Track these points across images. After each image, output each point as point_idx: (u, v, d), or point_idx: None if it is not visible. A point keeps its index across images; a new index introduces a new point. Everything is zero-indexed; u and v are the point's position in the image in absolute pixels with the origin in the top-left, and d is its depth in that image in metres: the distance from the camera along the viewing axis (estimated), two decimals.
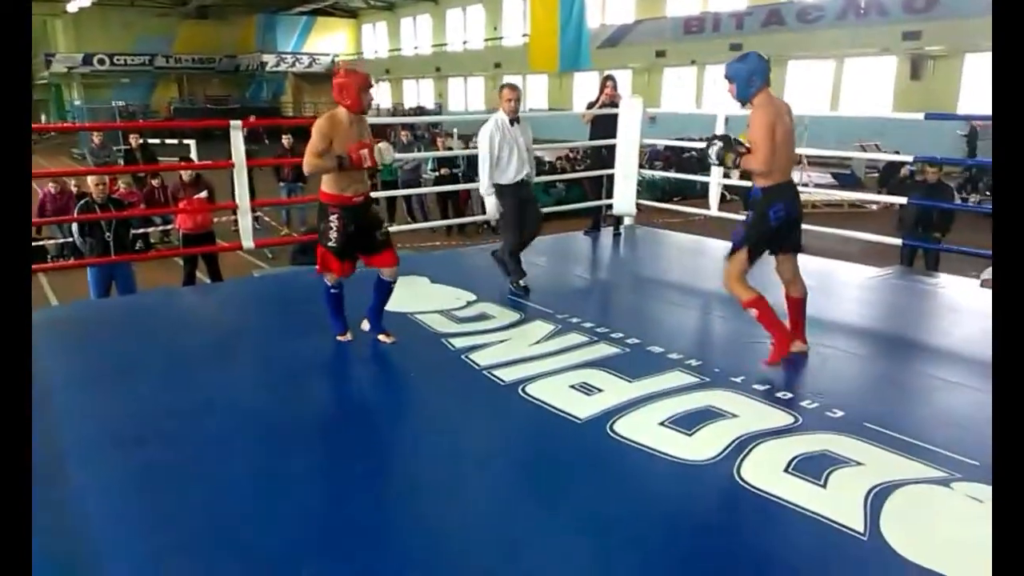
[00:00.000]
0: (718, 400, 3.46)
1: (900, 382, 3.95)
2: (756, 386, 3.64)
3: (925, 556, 2.35)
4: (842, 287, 5.80)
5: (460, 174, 12.22)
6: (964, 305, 5.28)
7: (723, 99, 4.04)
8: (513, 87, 5.30)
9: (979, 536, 2.33)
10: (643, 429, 3.19)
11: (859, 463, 2.89)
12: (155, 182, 10.71)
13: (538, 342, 4.30)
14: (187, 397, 3.62)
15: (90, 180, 6.73)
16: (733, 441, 3.06)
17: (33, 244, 10.23)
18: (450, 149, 13.92)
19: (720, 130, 5.92)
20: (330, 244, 4.06)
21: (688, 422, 3.24)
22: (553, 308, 4.91)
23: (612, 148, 7.29)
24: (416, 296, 5.14)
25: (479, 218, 10.82)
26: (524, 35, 26.82)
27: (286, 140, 12.12)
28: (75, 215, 6.79)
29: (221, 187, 8.78)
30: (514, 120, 5.24)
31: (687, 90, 27.65)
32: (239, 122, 5.83)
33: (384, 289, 4.28)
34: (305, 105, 43.28)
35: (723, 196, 7.44)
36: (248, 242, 6.05)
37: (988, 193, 14.26)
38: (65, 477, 2.86)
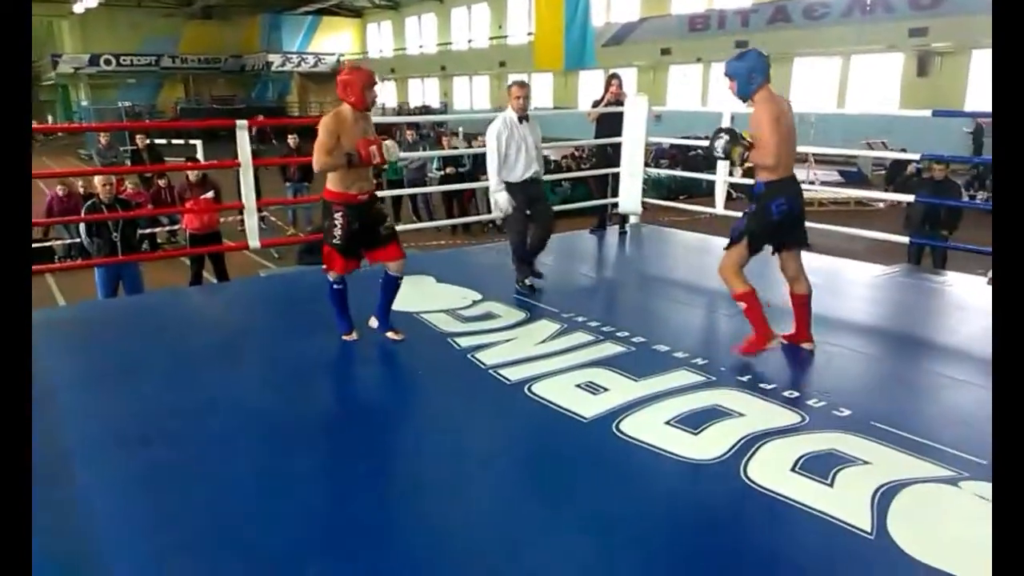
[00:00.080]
0: (724, 399, 3.45)
1: (907, 380, 3.93)
2: (762, 385, 3.63)
3: (932, 555, 2.33)
4: (849, 285, 5.77)
5: (466, 173, 12.22)
6: (971, 303, 5.24)
7: (728, 97, 4.04)
8: (522, 84, 5.28)
9: (986, 535, 2.30)
10: (649, 428, 3.17)
11: (866, 462, 2.88)
12: (162, 182, 10.75)
13: (544, 341, 4.29)
14: (192, 397, 3.62)
15: (97, 180, 6.74)
16: (739, 440, 3.04)
17: (40, 245, 10.28)
18: (455, 148, 13.91)
19: (726, 125, 5.90)
20: (334, 242, 4.06)
21: (694, 421, 3.23)
22: (559, 307, 4.90)
23: (617, 146, 7.27)
24: (422, 295, 5.14)
25: (484, 217, 10.83)
26: (529, 34, 26.80)
27: (292, 140, 12.14)
28: (82, 216, 6.80)
29: (227, 187, 8.80)
30: (523, 118, 5.22)
31: (693, 88, 27.57)
32: (245, 122, 5.84)
33: (391, 285, 4.28)
34: (311, 105, 43.34)
35: (729, 194, 7.41)
36: (254, 242, 6.06)
37: None
38: (69, 476, 2.87)
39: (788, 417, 3.28)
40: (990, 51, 18.26)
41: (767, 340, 3.97)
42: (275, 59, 43.33)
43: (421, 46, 41.97)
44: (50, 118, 41.91)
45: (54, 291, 9.18)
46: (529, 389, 3.61)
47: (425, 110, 39.30)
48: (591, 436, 3.16)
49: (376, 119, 4.48)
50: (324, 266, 4.20)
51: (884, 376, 4.03)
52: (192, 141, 15.94)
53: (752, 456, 2.92)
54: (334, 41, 45.39)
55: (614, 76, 7.60)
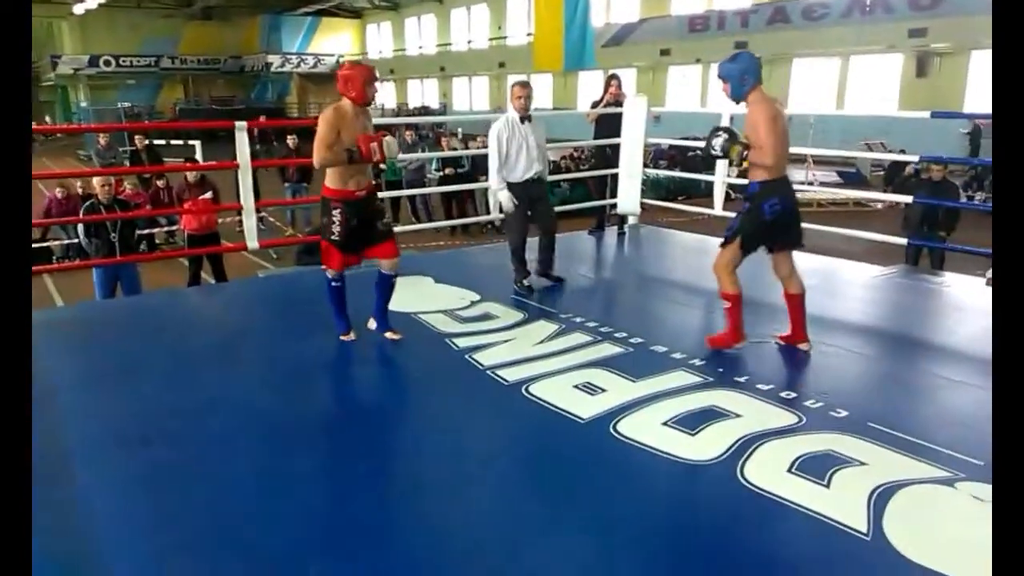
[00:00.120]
0: (721, 400, 3.46)
1: (904, 381, 3.94)
2: (760, 386, 3.64)
3: (929, 556, 2.34)
4: (847, 286, 5.79)
5: (465, 174, 12.23)
6: (969, 304, 5.26)
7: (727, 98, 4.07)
8: (524, 84, 5.29)
9: (983, 537, 2.32)
10: (646, 429, 3.18)
11: (863, 463, 2.89)
12: (160, 183, 10.76)
13: (542, 342, 4.30)
14: (191, 397, 3.63)
15: (96, 181, 6.75)
16: (736, 441, 3.05)
17: (38, 246, 10.28)
18: (455, 149, 13.93)
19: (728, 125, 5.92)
20: (333, 238, 4.08)
21: (691, 422, 3.24)
22: (557, 308, 4.91)
23: (616, 147, 7.28)
24: (420, 296, 5.15)
25: (483, 218, 10.84)
26: (528, 34, 26.80)
27: (291, 141, 12.15)
28: (81, 216, 6.81)
29: (226, 188, 8.80)
30: (525, 118, 5.23)
31: (692, 89, 27.60)
32: (244, 123, 5.84)
33: (386, 284, 4.28)
34: (310, 106, 43.31)
35: (728, 195, 7.42)
36: (253, 242, 6.07)
37: None
38: (69, 476, 2.87)
39: (785, 418, 3.29)
40: (989, 52, 18.35)
41: (736, 341, 4.11)
42: (274, 60, 43.34)
43: (420, 47, 41.99)
44: (49, 119, 41.90)
45: (52, 292, 9.18)
46: (527, 390, 3.61)
47: (424, 111, 39.33)
48: (589, 437, 3.17)
49: (375, 120, 4.49)
50: (324, 265, 4.21)
51: (881, 377, 4.04)
52: (191, 142, 15.94)
53: (749, 457, 2.93)
54: (334, 42, 45.39)
55: (613, 77, 7.61)
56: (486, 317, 4.76)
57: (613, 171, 7.39)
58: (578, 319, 4.65)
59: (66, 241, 10.63)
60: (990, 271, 6.02)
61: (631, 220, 7.59)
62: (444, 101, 40.39)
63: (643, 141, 7.19)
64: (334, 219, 4.05)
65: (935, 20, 20.24)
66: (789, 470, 2.84)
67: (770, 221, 3.91)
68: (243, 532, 2.53)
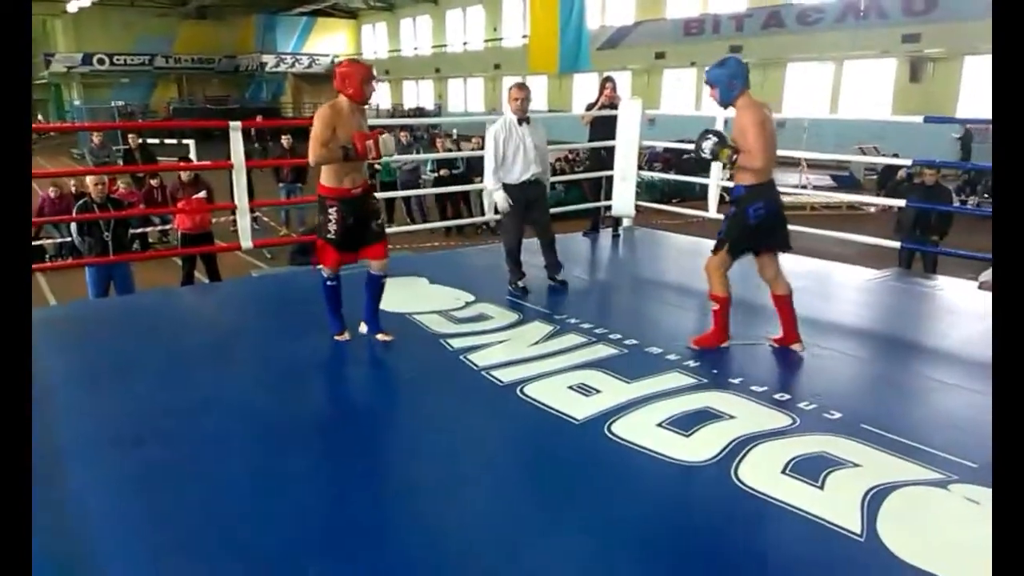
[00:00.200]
0: (716, 401, 3.47)
1: (898, 384, 3.95)
2: (754, 387, 3.65)
3: (922, 558, 2.35)
4: (840, 289, 5.81)
5: (459, 175, 12.23)
6: (962, 307, 5.29)
7: None
8: (521, 86, 5.29)
9: (976, 538, 2.34)
10: (641, 430, 3.19)
11: (856, 465, 2.90)
12: (154, 182, 10.72)
13: (536, 343, 4.31)
14: (185, 396, 3.62)
15: (89, 180, 6.73)
16: (731, 442, 3.06)
17: (31, 244, 10.24)
18: (449, 151, 13.94)
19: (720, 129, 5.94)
20: (329, 236, 4.07)
21: (686, 423, 3.24)
22: (552, 309, 4.92)
23: (611, 149, 7.30)
24: (415, 297, 5.15)
25: (478, 219, 10.84)
26: (524, 36, 26.86)
27: (285, 140, 12.13)
28: (74, 215, 6.79)
29: (220, 187, 8.79)
30: (523, 120, 5.23)
31: (687, 92, 27.66)
32: (238, 123, 5.83)
33: (375, 285, 4.26)
34: (305, 106, 43.25)
35: (722, 197, 7.42)
36: (247, 242, 6.06)
37: (987, 196, 14.27)
38: (63, 476, 2.86)
39: (779, 419, 3.30)
40: (982, 57, 18.47)
41: (720, 342, 4.15)
42: (269, 60, 43.26)
43: (416, 48, 41.99)
44: (39, 116, 41.73)
45: (45, 290, 9.15)
46: (522, 391, 3.62)
47: (419, 112, 39.31)
48: (583, 438, 3.17)
49: (370, 121, 4.48)
50: (318, 262, 4.19)
51: (874, 379, 4.06)
52: (185, 141, 15.90)
53: (743, 458, 2.94)
54: (329, 42, 45.34)
55: (608, 79, 7.63)
56: (481, 318, 4.76)
57: (608, 173, 7.41)
58: (573, 320, 4.65)
59: (59, 240, 10.59)
60: (982, 275, 6.07)
61: (625, 222, 7.61)
62: (439, 102, 40.38)
63: (638, 143, 7.21)
64: (330, 217, 4.03)
65: (928, 26, 20.33)
66: (783, 471, 2.85)
67: (755, 225, 3.95)
68: (238, 532, 2.52)
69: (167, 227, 11.01)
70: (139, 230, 10.45)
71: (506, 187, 5.24)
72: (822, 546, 2.44)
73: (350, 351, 4.24)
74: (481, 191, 5.28)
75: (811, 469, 2.85)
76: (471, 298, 5.16)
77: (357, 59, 4.11)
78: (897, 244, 6.87)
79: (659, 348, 4.18)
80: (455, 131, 18.73)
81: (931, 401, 3.73)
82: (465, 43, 38.16)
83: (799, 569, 2.40)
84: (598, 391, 3.60)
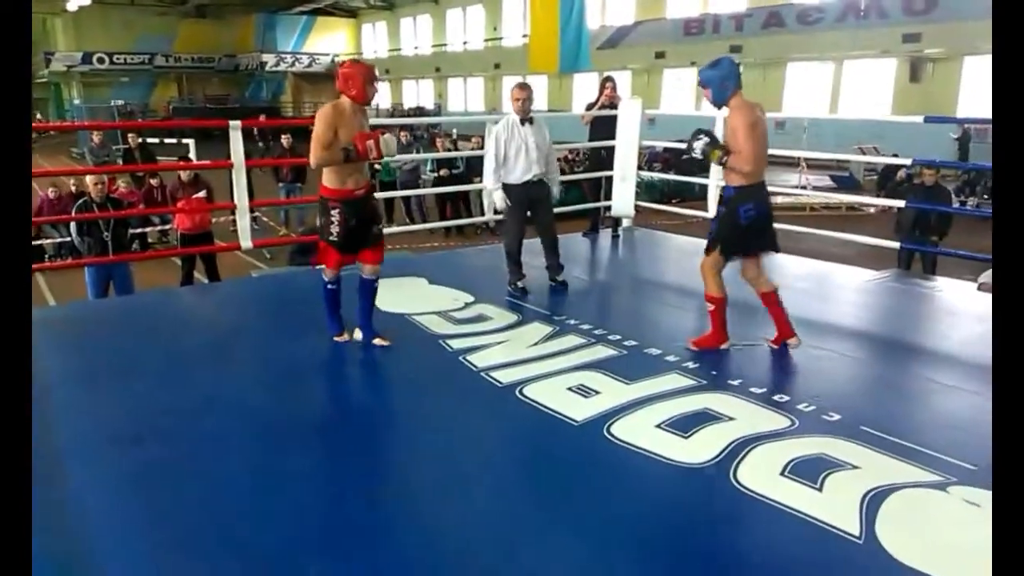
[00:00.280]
0: (715, 403, 3.47)
1: (897, 385, 3.95)
2: (753, 389, 3.65)
3: (921, 560, 2.35)
4: (839, 290, 5.81)
5: (459, 175, 12.22)
6: (961, 308, 5.29)
7: None
8: (523, 86, 5.28)
9: (975, 540, 2.35)
10: (640, 431, 3.19)
11: (855, 466, 2.90)
12: (154, 182, 10.72)
13: (536, 344, 4.31)
14: (184, 396, 3.62)
15: (89, 179, 6.73)
16: (730, 444, 3.06)
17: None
18: (449, 150, 13.94)
19: (718, 131, 5.94)
20: (331, 238, 4.04)
21: (685, 425, 3.24)
22: (551, 310, 4.92)
23: (611, 149, 7.30)
24: (414, 297, 5.15)
25: (478, 219, 10.84)
26: (524, 36, 26.84)
27: (285, 140, 12.12)
28: (73, 214, 6.79)
29: (220, 187, 8.79)
30: (525, 120, 5.23)
31: (686, 92, 27.66)
32: (238, 122, 5.83)
33: (368, 290, 4.23)
34: (305, 105, 43.26)
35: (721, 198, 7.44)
36: (246, 242, 6.06)
37: (986, 196, 14.27)
38: (62, 475, 2.86)
39: (778, 421, 3.30)
40: (982, 57, 18.47)
41: (719, 343, 4.15)
42: (269, 59, 43.25)
43: (416, 47, 41.98)
44: (39, 115, 41.70)
45: (44, 290, 9.14)
46: (521, 392, 3.62)
47: (419, 112, 39.30)
48: (582, 439, 3.17)
49: (370, 120, 4.48)
50: (320, 264, 4.18)
51: (874, 381, 4.06)
52: (185, 140, 15.90)
53: (742, 460, 2.94)
54: (329, 41, 45.34)
55: (608, 79, 7.64)
56: (480, 319, 4.76)
57: (607, 173, 7.41)
58: (572, 321, 4.65)
59: (58, 240, 10.58)
60: (981, 276, 6.07)
61: (625, 222, 7.60)
62: (439, 102, 40.37)
63: (637, 143, 7.21)
64: (333, 219, 4.00)
65: (929, 25, 20.34)
66: (782, 473, 2.85)
67: (745, 226, 3.97)
68: (236, 530, 2.52)
69: (167, 227, 11.00)
70: (139, 230, 10.45)
71: (507, 187, 5.25)
72: (821, 548, 2.44)
73: (349, 351, 4.24)
74: (481, 191, 5.28)
75: (810, 471, 2.85)
76: (470, 299, 5.16)
77: (359, 60, 4.09)
78: (896, 245, 6.88)
79: (658, 349, 4.18)
80: (455, 131, 18.72)
81: (930, 403, 3.73)
82: (465, 42, 38.15)
83: (798, 571, 2.40)
84: (597, 392, 3.60)
